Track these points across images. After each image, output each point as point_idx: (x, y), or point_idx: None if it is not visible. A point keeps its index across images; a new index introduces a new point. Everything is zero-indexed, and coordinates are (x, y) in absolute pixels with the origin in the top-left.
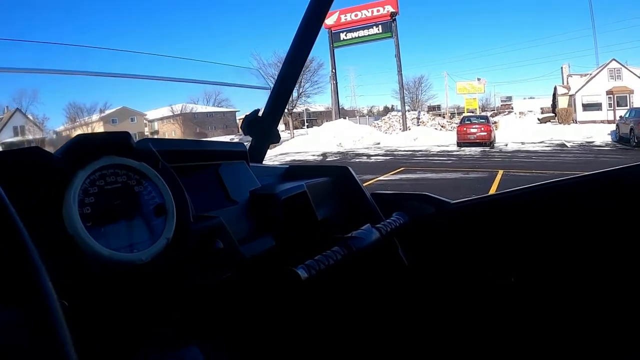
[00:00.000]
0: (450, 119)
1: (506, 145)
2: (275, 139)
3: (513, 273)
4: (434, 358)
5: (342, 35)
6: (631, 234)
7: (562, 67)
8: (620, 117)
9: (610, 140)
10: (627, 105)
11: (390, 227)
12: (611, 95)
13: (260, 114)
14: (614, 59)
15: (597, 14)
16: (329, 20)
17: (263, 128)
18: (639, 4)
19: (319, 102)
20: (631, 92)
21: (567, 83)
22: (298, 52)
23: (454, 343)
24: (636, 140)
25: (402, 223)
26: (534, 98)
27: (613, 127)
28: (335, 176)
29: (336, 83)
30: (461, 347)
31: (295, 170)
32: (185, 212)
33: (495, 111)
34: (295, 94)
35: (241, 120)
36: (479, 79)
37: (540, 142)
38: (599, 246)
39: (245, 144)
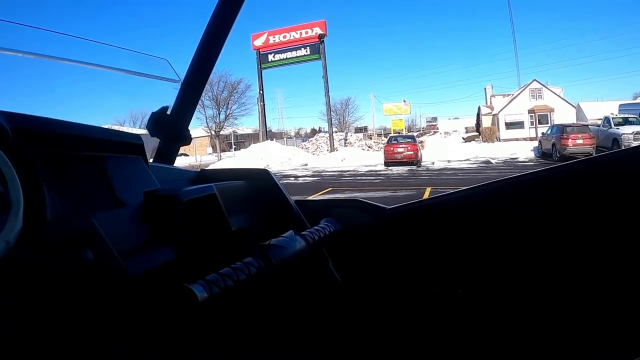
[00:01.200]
0: (378, 138)
1: (433, 163)
2: (186, 141)
3: (456, 282)
4: None
5: (270, 57)
6: (560, 232)
7: (485, 88)
8: (543, 133)
9: (533, 155)
10: (548, 123)
11: (318, 236)
12: (533, 114)
13: (169, 112)
14: (535, 80)
15: (519, 37)
16: (257, 42)
17: (172, 128)
18: (558, 28)
19: (247, 125)
20: (552, 110)
21: (491, 103)
22: (212, 41)
23: None
24: (558, 155)
25: (332, 231)
26: (458, 118)
27: (535, 143)
28: (253, 180)
29: (264, 105)
30: None
31: (208, 174)
32: (39, 209)
33: (421, 131)
34: (222, 115)
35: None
36: (404, 101)
37: (466, 160)
38: (531, 245)
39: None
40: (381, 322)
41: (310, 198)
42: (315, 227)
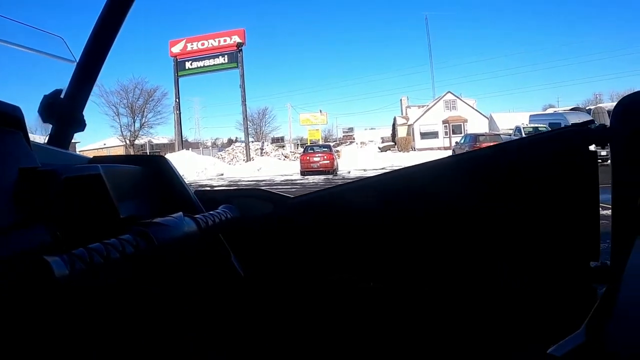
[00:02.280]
0: (294, 149)
1: (349, 172)
2: (81, 126)
3: (366, 272)
4: None
5: (188, 64)
6: (470, 213)
7: (401, 99)
8: (456, 143)
9: None
10: (461, 133)
11: (212, 220)
12: (447, 124)
13: (62, 95)
14: (449, 92)
15: (435, 50)
16: (175, 49)
17: (66, 112)
18: (473, 43)
19: (163, 134)
20: (465, 121)
21: (406, 114)
22: (110, 20)
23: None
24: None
25: (229, 217)
26: (374, 128)
27: (449, 152)
28: (148, 166)
29: (180, 113)
30: None
31: (100, 160)
32: None
33: (338, 141)
34: (137, 124)
35: None
36: (321, 111)
37: (382, 169)
38: (436, 231)
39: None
40: (284, 316)
41: (210, 188)
42: (211, 212)
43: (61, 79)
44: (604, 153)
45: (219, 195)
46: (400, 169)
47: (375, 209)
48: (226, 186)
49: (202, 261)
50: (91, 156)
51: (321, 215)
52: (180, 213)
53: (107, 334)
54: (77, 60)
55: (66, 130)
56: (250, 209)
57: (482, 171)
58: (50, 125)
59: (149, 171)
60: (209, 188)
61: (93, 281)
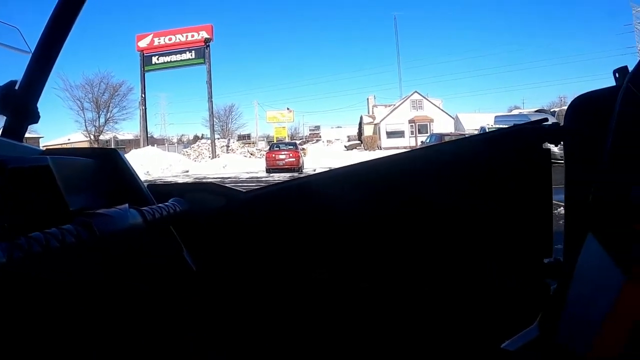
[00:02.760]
0: (261, 145)
1: (314, 170)
2: (35, 118)
3: (317, 265)
4: None
5: (155, 59)
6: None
7: (368, 98)
8: (422, 142)
9: None
10: (427, 132)
11: (159, 213)
12: (413, 124)
13: (17, 86)
14: (416, 91)
15: (403, 49)
16: (142, 43)
17: (20, 104)
18: (440, 44)
19: (128, 130)
20: (431, 120)
21: (373, 113)
22: (65, 10)
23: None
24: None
25: (177, 210)
26: (341, 127)
27: None
28: (100, 159)
29: (145, 109)
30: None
31: (52, 152)
32: None
33: (304, 139)
34: (102, 119)
35: None
36: (288, 109)
37: None
38: (389, 224)
39: None
40: (235, 311)
41: (164, 182)
42: (158, 205)
43: (16, 70)
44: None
45: (172, 189)
46: (345, 166)
47: (324, 203)
48: (203, 181)
49: (153, 254)
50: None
51: (272, 210)
52: (126, 205)
53: (47, 323)
54: (32, 52)
55: (21, 122)
56: (203, 203)
57: (443, 165)
58: (5, 117)
59: (101, 164)
60: (163, 182)
61: (33, 270)
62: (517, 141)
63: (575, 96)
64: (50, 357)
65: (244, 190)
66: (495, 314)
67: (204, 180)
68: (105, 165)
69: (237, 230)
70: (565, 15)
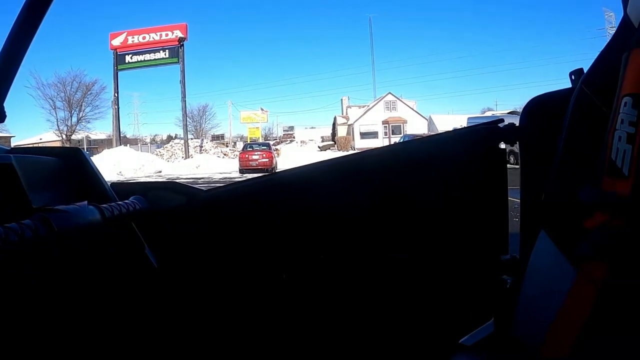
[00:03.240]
0: (234, 147)
1: None
2: (1, 118)
3: (279, 266)
4: None
5: (128, 58)
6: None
7: (342, 99)
8: (395, 143)
9: None
10: (401, 133)
11: (119, 210)
12: (387, 125)
13: None
14: (390, 93)
15: (377, 50)
16: (115, 41)
17: None
18: (414, 46)
19: (101, 129)
20: (405, 121)
21: (347, 114)
22: (32, 9)
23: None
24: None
25: (137, 208)
26: (315, 127)
27: None
28: (64, 158)
29: (118, 108)
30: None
31: (19, 151)
32: None
33: (278, 140)
34: (74, 118)
35: None
36: (262, 109)
37: None
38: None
39: None
40: (195, 307)
41: (127, 181)
42: (118, 202)
43: None
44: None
45: (135, 187)
46: (302, 166)
47: (282, 202)
48: (165, 180)
49: (114, 251)
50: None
51: (231, 208)
52: (85, 202)
53: (6, 317)
54: None
55: None
56: (165, 201)
57: (406, 163)
58: None
59: (65, 163)
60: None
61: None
62: (475, 141)
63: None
64: (8, 351)
65: (204, 189)
66: (454, 310)
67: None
68: (68, 164)
69: (198, 228)
70: (540, 19)
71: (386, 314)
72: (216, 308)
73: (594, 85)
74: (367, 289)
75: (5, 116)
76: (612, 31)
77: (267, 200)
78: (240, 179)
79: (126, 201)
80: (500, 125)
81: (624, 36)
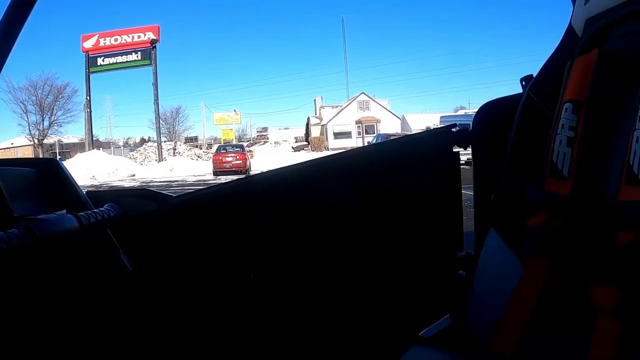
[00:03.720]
0: (207, 149)
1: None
2: None
3: (247, 265)
4: None
5: (100, 60)
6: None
7: (315, 100)
8: (369, 142)
9: None
10: (374, 133)
11: (95, 218)
12: (360, 124)
13: None
14: (363, 92)
15: (350, 50)
16: (87, 44)
17: None
18: (387, 46)
19: (73, 133)
20: (378, 121)
21: (320, 114)
22: (14, 14)
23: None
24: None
25: (111, 215)
26: (288, 128)
27: None
28: (41, 169)
29: (90, 111)
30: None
31: None
32: None
33: (252, 141)
34: (46, 122)
35: None
36: (235, 110)
37: None
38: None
39: None
40: (174, 308)
41: (109, 187)
42: (94, 210)
43: None
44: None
45: (108, 194)
46: (271, 170)
47: (251, 206)
48: (137, 187)
49: (91, 256)
50: None
51: (200, 213)
52: (64, 210)
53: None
54: None
55: None
56: (137, 207)
57: (367, 167)
58: None
59: (42, 173)
60: (107, 188)
61: None
62: (430, 145)
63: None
64: None
65: (174, 195)
66: (415, 304)
67: (146, 185)
68: (45, 173)
69: (168, 232)
70: (511, 19)
71: (352, 309)
72: (187, 308)
73: (540, 91)
74: (334, 286)
75: None
76: None
77: (233, 204)
78: (213, 181)
79: (101, 209)
80: (454, 129)
81: (568, 45)
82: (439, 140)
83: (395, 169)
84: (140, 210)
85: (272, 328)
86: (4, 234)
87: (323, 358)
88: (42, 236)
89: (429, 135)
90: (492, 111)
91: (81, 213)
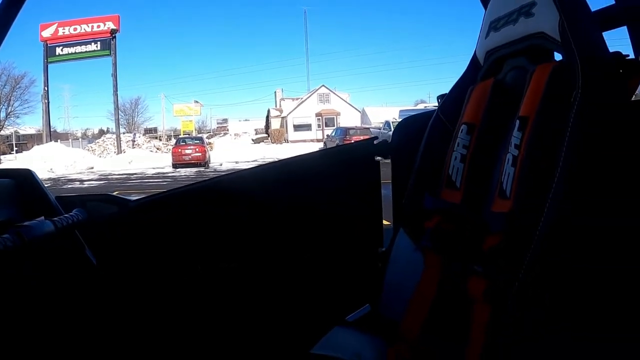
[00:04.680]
0: (167, 141)
1: (221, 165)
2: None
3: (195, 259)
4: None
5: (59, 50)
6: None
7: (275, 92)
8: (328, 135)
9: None
10: (334, 126)
11: (67, 222)
12: (320, 117)
13: None
14: (323, 85)
15: (312, 43)
16: (45, 33)
17: None
18: (348, 39)
19: (30, 124)
20: (338, 114)
21: (280, 106)
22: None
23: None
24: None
25: (80, 219)
26: (249, 120)
27: (321, 144)
28: (17, 179)
29: (48, 102)
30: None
31: None
32: None
33: (212, 133)
34: (2, 114)
35: None
36: (196, 102)
37: (254, 161)
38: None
39: None
40: (131, 296)
41: (70, 194)
42: (65, 215)
43: None
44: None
45: (76, 199)
46: (211, 178)
47: (202, 209)
48: (96, 180)
49: (63, 253)
50: None
51: (156, 214)
52: (42, 217)
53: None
54: None
55: None
56: (101, 210)
57: (302, 175)
58: None
59: (18, 182)
60: (78, 182)
61: None
62: (356, 155)
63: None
64: None
65: (132, 199)
66: (344, 293)
67: (104, 178)
68: (21, 183)
69: (127, 232)
70: (474, 15)
71: (290, 299)
72: (143, 298)
73: (449, 111)
74: (276, 279)
75: None
76: None
77: (180, 208)
78: (172, 174)
79: (71, 213)
80: (375, 142)
81: (472, 71)
82: (363, 151)
83: (327, 176)
84: (104, 212)
85: (220, 312)
86: (1, 239)
87: (269, 334)
88: (29, 240)
89: (356, 146)
90: (408, 126)
91: (56, 218)
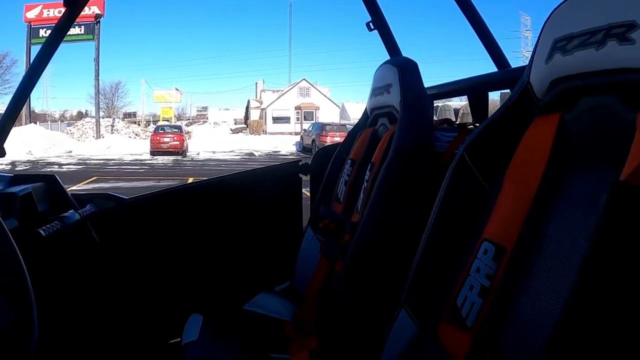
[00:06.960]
0: (146, 127)
1: (198, 154)
2: (2, 154)
3: (180, 254)
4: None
5: (42, 32)
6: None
7: (256, 83)
8: (305, 130)
9: (295, 150)
10: (313, 120)
11: (85, 214)
12: (299, 110)
13: None
14: (304, 79)
15: (295, 36)
16: (30, 14)
17: None
18: (332, 33)
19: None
20: (317, 108)
21: (261, 97)
22: (44, 56)
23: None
24: (317, 150)
25: (93, 211)
26: (229, 109)
27: (298, 138)
28: (46, 181)
29: None
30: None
31: (18, 179)
32: None
33: (191, 120)
34: None
35: None
36: (177, 89)
37: (231, 152)
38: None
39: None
40: (123, 268)
41: (75, 188)
42: (84, 209)
43: None
44: None
45: (85, 197)
46: (190, 184)
47: (183, 212)
48: (74, 164)
49: (80, 234)
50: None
51: (142, 209)
52: (72, 210)
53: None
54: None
55: None
56: (103, 204)
57: (236, 190)
58: None
59: (48, 184)
60: (57, 166)
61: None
62: (283, 173)
63: None
64: None
65: (127, 197)
66: (271, 271)
67: (82, 162)
68: (49, 185)
69: (121, 221)
70: (452, 12)
71: (234, 273)
72: (130, 267)
73: (345, 148)
74: (227, 264)
75: (5, 153)
76: (528, 34)
77: (158, 208)
78: (150, 161)
79: (86, 208)
80: (300, 163)
81: (364, 119)
82: (289, 170)
83: (263, 187)
84: (105, 206)
85: (191, 276)
86: (58, 220)
87: (218, 294)
88: (67, 225)
89: (285, 166)
90: (322, 155)
91: (79, 210)
